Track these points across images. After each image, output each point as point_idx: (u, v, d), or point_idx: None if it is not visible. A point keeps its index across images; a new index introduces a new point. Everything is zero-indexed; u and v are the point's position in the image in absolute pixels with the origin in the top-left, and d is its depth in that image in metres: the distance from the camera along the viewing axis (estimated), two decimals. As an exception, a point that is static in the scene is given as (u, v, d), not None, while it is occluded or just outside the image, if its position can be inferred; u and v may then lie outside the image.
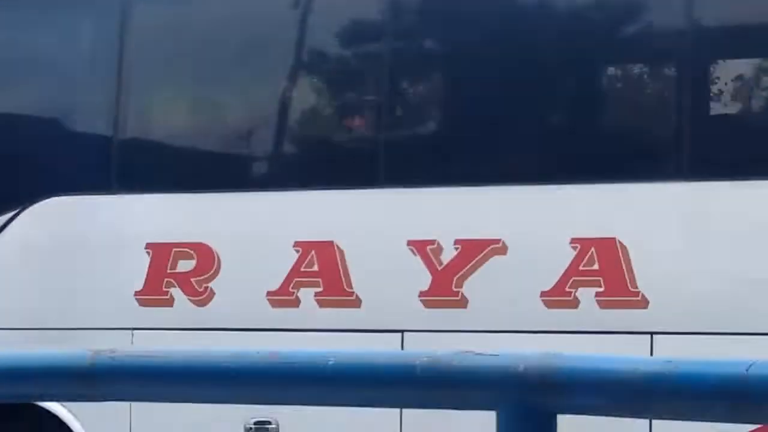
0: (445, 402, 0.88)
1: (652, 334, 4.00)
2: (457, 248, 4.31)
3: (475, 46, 4.69)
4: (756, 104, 4.74)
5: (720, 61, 4.60)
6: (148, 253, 4.69)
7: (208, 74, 4.99)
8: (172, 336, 4.51)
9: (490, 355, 0.81)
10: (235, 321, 4.45)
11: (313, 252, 4.49)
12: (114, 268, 4.74)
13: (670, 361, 0.76)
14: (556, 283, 4.17)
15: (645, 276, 4.07)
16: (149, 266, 4.67)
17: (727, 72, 4.52)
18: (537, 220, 4.32)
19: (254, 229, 4.66)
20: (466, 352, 0.82)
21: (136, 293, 4.69)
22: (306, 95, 5.08)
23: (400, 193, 4.53)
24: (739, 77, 4.50)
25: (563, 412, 0.80)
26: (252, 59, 4.95)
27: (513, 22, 4.73)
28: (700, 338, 3.89)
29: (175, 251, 4.68)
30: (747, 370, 0.81)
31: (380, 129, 4.77)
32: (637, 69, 4.95)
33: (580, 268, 4.15)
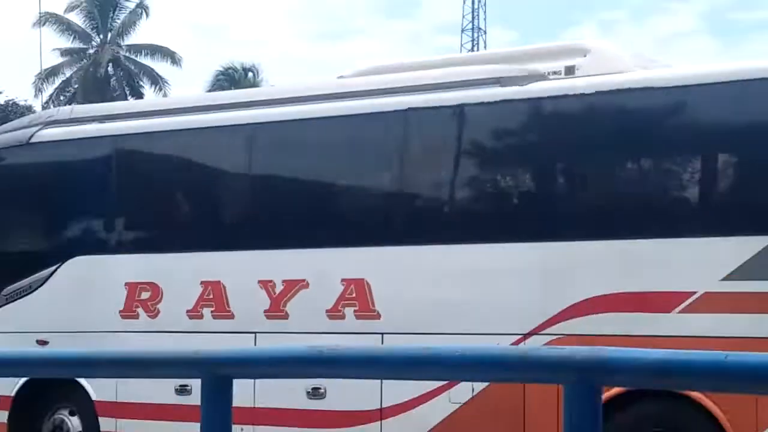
0: (535, 379, 1.44)
1: (382, 334, 7.00)
2: (283, 284, 7.63)
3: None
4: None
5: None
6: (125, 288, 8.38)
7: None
8: (138, 336, 7.94)
9: (558, 348, 1.33)
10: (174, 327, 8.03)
11: (209, 288, 7.91)
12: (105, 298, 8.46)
13: (669, 354, 1.28)
14: (333, 305, 7.38)
15: (379, 300, 7.30)
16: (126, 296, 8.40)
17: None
18: (323, 268, 7.59)
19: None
20: (545, 347, 1.34)
21: (120, 311, 8.36)
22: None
23: (255, 254, 8.04)
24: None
25: (606, 385, 1.31)
26: None
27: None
28: (408, 336, 6.79)
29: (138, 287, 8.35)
30: (725, 358, 1.35)
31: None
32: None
33: (346, 296, 7.36)
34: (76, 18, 44.98)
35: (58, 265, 8.61)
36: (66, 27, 44.34)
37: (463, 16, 55.92)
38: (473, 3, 54.76)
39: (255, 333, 7.57)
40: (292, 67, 79.63)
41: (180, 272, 8.20)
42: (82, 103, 42.12)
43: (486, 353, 1.51)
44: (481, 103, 7.32)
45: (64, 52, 44.78)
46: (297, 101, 8.10)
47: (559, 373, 1.40)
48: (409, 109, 7.46)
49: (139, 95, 45.05)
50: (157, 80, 44.61)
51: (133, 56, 45.48)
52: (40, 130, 9.01)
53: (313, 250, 7.83)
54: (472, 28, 55.09)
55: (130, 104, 16.92)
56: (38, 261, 8.81)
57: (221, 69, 47.69)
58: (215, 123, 8.34)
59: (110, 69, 45.18)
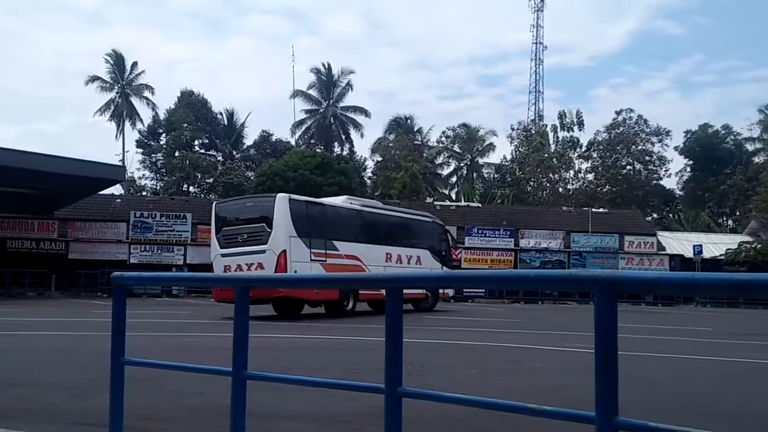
0: (580, 289, 2.14)
1: None
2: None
3: None
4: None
5: None
6: None
7: None
8: None
9: (591, 270, 2.13)
10: None
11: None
12: None
13: (657, 274, 1.92)
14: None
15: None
16: None
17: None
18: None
19: None
20: (580, 269, 2.21)
21: None
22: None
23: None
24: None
25: (622, 293, 2.03)
26: None
27: None
28: None
29: None
30: (694, 277, 1.87)
31: None
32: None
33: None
34: (313, 92, 68.04)
35: None
36: (307, 97, 67.85)
37: (530, 83, 77.69)
38: (536, 74, 76.52)
39: None
40: (431, 116, 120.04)
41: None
42: (317, 141, 67.24)
43: (553, 273, 2.17)
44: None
45: (307, 111, 67.79)
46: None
47: (595, 285, 2.03)
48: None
49: (347, 134, 68.86)
50: (357, 126, 68.10)
51: (344, 113, 67.68)
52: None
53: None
54: (536, 91, 76.67)
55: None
56: None
57: (392, 118, 72.33)
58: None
59: (332, 120, 67.17)
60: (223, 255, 20.02)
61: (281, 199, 19.91)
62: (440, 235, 26.32)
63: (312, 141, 68.22)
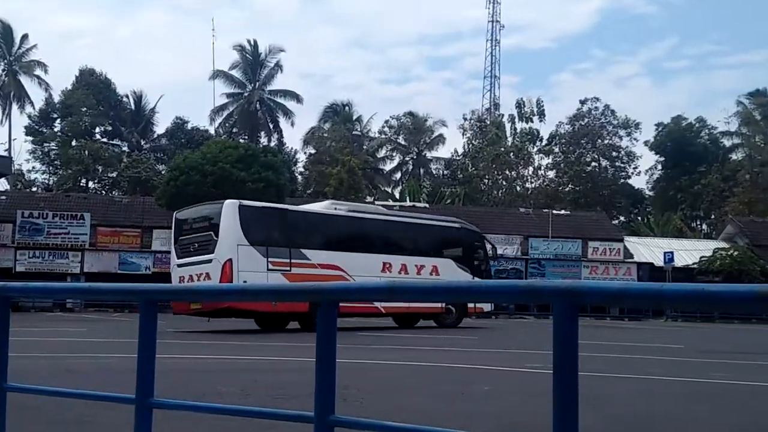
0: (538, 301, 2.66)
1: None
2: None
3: None
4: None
5: None
6: None
7: None
8: None
9: (551, 281, 2.81)
10: None
11: None
12: None
13: (623, 284, 1.98)
14: None
15: None
16: None
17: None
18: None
19: None
20: (543, 280, 3.10)
21: None
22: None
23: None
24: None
25: (584, 305, 2.06)
26: None
27: None
28: None
29: None
30: (662, 288, 1.90)
31: None
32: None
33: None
34: (236, 73, 68.04)
35: None
36: (230, 79, 67.56)
37: (485, 67, 78.95)
38: (492, 56, 77.77)
39: None
40: (373, 103, 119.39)
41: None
42: (241, 129, 66.88)
43: (505, 284, 2.24)
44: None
45: (229, 95, 67.47)
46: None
47: (552, 297, 2.08)
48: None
49: (276, 122, 68.85)
50: (288, 113, 67.96)
51: (272, 97, 67.78)
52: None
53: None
54: (491, 76, 77.88)
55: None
56: None
57: (328, 105, 72.41)
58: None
59: (258, 106, 67.06)
60: (178, 265, 21.56)
61: (229, 206, 21.12)
62: (471, 242, 26.72)
63: (234, 130, 67.90)
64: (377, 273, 22.81)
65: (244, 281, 19.22)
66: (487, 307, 27.80)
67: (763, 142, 67.18)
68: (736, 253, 48.08)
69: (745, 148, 68.23)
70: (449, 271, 24.72)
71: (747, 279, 43.90)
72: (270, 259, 20.95)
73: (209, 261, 20.53)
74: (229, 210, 20.93)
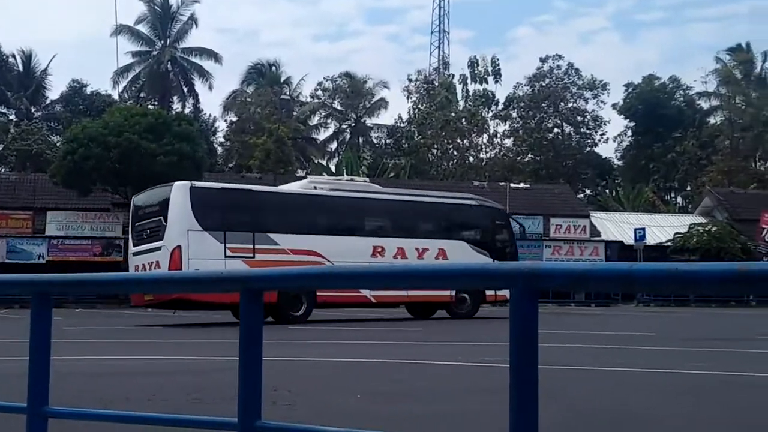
0: (491, 285, 2.26)
1: None
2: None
3: None
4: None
5: None
6: None
7: None
8: None
9: (507, 262, 2.19)
10: None
11: None
12: None
13: (588, 265, 2.00)
14: None
15: None
16: None
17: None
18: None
19: None
20: (501, 262, 2.22)
21: None
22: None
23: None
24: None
25: (543, 289, 2.06)
26: None
27: None
28: None
29: None
30: (631, 268, 1.91)
31: None
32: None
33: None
34: (143, 28, 66.93)
35: None
36: (135, 35, 66.44)
37: (433, 20, 79.26)
38: (440, 8, 78.05)
39: None
40: (304, 62, 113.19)
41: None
42: (150, 94, 65.97)
43: (452, 266, 2.26)
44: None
45: (135, 54, 66.58)
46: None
47: (510, 280, 2.08)
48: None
49: (191, 86, 68.14)
50: (204, 74, 67.24)
51: (186, 56, 67.10)
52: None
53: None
54: (440, 31, 78.20)
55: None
56: None
57: (252, 65, 71.87)
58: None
59: (169, 66, 66.25)
60: (134, 254, 22.78)
61: (178, 188, 21.98)
62: (490, 221, 27.00)
63: (142, 95, 67.29)
64: (366, 258, 23.24)
65: (196, 269, 19.28)
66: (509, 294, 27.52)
67: (744, 104, 68.64)
68: (714, 228, 49.19)
69: (725, 111, 69.66)
70: (462, 255, 24.82)
71: (726, 257, 44.99)
72: (228, 246, 21.59)
73: (159, 249, 21.44)
74: (179, 192, 21.70)
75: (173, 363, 11.71)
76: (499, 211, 28.13)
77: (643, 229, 47.48)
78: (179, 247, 20.90)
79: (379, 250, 24.10)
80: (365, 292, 22.72)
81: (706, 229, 49.25)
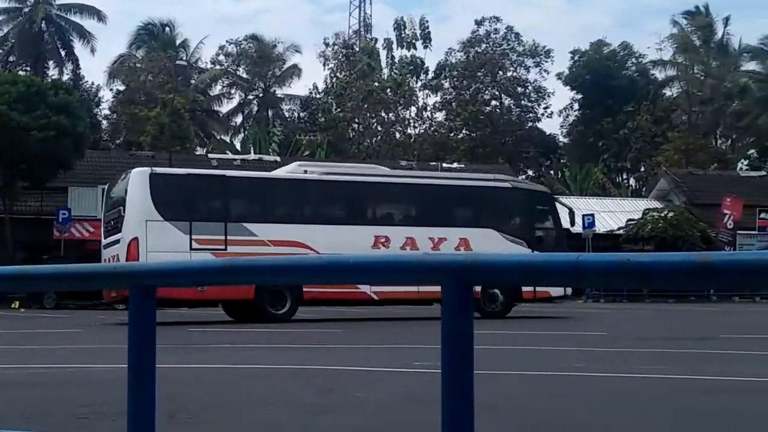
0: (421, 280, 2.50)
1: None
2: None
3: None
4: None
5: None
6: None
7: None
8: None
9: (442, 254, 2.24)
10: None
11: None
12: None
13: (529, 256, 2.11)
14: None
15: None
16: None
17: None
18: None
19: None
20: (429, 253, 2.22)
21: None
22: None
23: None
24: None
25: (477, 285, 2.21)
26: None
27: None
28: None
29: None
30: (578, 260, 1.98)
31: None
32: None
33: None
34: None
35: None
36: None
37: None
38: None
39: None
40: (203, 23, 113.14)
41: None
42: (20, 58, 64.67)
43: (383, 258, 2.32)
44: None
45: (2, 11, 65.17)
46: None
47: (440, 274, 2.12)
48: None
49: (69, 49, 66.83)
50: (85, 36, 66.09)
51: (64, 14, 65.64)
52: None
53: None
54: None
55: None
56: None
57: (142, 25, 70.89)
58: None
59: (44, 26, 64.77)
60: (104, 246, 24.23)
61: (136, 175, 22.95)
62: (529, 206, 26.86)
63: (11, 59, 66.10)
64: (366, 249, 23.00)
65: None
66: (555, 291, 26.90)
67: (703, 75, 69.87)
68: (671, 214, 49.96)
69: (682, 81, 70.75)
70: (490, 245, 24.38)
71: (685, 246, 45.65)
72: (195, 237, 22.36)
73: (118, 241, 22.61)
74: (137, 180, 22.64)
75: (65, 372, 11.51)
76: (541, 194, 28.27)
77: (592, 215, 48.07)
78: (136, 239, 21.81)
79: (383, 240, 24.22)
80: (364, 288, 22.92)
81: (662, 215, 49.95)
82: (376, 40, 74.90)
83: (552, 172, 72.08)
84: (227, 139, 68.30)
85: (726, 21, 71.39)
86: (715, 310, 34.72)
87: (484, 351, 6.95)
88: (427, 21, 72.96)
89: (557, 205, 28.01)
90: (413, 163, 55.06)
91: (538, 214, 27.07)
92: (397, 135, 68.55)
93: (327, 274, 2.47)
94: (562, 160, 74.38)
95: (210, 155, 53.81)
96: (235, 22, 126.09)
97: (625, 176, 76.41)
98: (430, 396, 7.58)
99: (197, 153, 56.96)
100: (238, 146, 63.81)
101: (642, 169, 72.70)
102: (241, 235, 22.84)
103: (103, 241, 24.25)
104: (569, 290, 28.35)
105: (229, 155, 54.37)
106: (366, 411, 7.95)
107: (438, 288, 2.22)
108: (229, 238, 22.67)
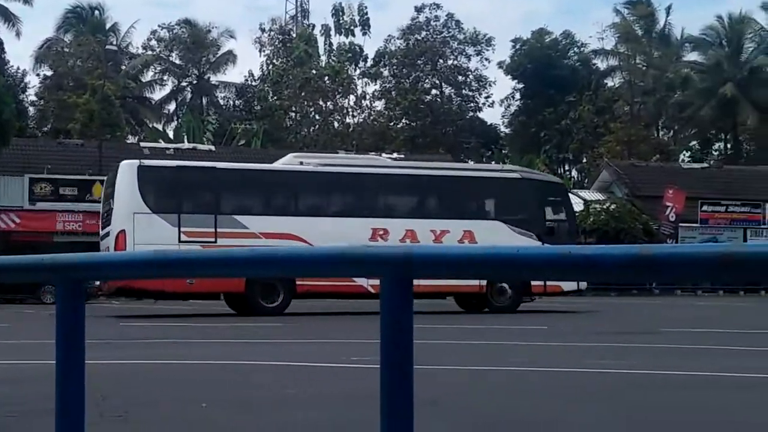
0: (361, 273, 2.37)
1: None
2: None
3: None
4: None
5: None
6: None
7: None
8: None
9: (382, 246, 2.44)
10: None
11: None
12: None
13: (471, 248, 2.08)
14: None
15: None
16: None
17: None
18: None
19: None
20: (366, 245, 2.20)
21: None
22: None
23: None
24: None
25: (417, 278, 2.11)
26: None
27: None
28: None
29: None
30: (518, 252, 1.99)
31: None
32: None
33: None
34: None
35: None
36: None
37: None
38: None
39: None
40: (134, 6, 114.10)
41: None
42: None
43: (318, 251, 2.33)
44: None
45: None
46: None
47: (378, 268, 2.13)
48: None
49: None
50: (10, 18, 64.88)
51: None
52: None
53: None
54: None
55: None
56: None
57: (70, 8, 70.03)
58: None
59: None
60: (100, 238, 25.29)
61: (124, 167, 23.50)
62: (540, 198, 26.66)
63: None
64: (363, 242, 22.59)
65: None
66: (568, 285, 26.06)
67: (645, 65, 70.56)
68: (613, 206, 50.38)
69: (624, 72, 71.34)
70: (496, 238, 23.85)
71: (627, 239, 46.15)
72: (183, 229, 22.79)
73: (109, 234, 23.47)
74: (125, 172, 23.25)
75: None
76: (553, 184, 28.22)
77: (534, 206, 48.32)
78: (123, 231, 22.39)
79: (381, 232, 24.31)
80: (361, 281, 22.38)
81: (604, 207, 50.37)
82: (314, 26, 74.64)
83: (493, 162, 72.39)
84: (160, 127, 67.58)
85: (668, 11, 71.93)
86: (657, 303, 35.17)
87: (423, 345, 7.02)
88: (366, 7, 72.72)
89: (570, 197, 28.15)
90: (352, 153, 54.90)
91: (548, 206, 26.94)
92: (336, 124, 68.38)
93: (254, 266, 2.45)
94: (503, 151, 74.61)
95: (142, 144, 53.12)
96: (168, 6, 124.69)
97: (567, 167, 76.98)
98: (363, 390, 7.59)
99: (128, 141, 56.30)
100: (171, 135, 63.17)
101: (584, 160, 73.24)
102: (232, 227, 23.32)
103: (101, 232, 25.26)
104: (583, 284, 27.13)
105: (162, 144, 53.83)
106: (302, 407, 7.94)
107: (442, 282, 2.22)
108: (219, 230, 23.11)
